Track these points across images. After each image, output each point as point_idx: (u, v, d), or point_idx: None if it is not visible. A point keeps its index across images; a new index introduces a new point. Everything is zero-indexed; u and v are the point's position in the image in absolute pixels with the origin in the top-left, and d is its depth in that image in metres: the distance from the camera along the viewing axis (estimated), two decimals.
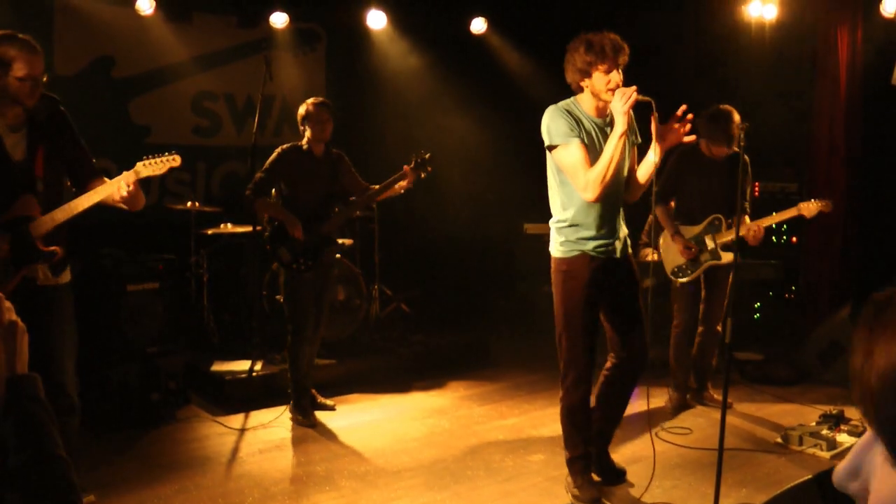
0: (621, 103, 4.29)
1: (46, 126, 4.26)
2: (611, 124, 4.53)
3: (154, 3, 7.82)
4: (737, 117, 5.99)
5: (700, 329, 6.44)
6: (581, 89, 4.57)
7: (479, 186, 9.40)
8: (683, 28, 8.50)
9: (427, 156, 6.15)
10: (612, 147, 4.34)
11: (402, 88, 9.46)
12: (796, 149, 8.57)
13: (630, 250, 4.87)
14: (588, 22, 8.99)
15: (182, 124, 8.69)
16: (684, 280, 6.28)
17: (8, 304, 1.86)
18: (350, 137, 8.98)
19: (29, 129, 4.21)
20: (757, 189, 8.15)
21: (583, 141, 4.45)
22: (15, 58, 4.00)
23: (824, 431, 5.68)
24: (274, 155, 6.14)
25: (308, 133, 6.09)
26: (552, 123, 4.49)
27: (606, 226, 4.62)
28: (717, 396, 6.50)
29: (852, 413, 6.06)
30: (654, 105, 4.36)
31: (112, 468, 5.28)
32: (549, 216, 4.78)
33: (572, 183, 4.49)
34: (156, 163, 4.32)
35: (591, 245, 4.59)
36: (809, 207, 6.19)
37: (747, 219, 6.20)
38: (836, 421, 5.83)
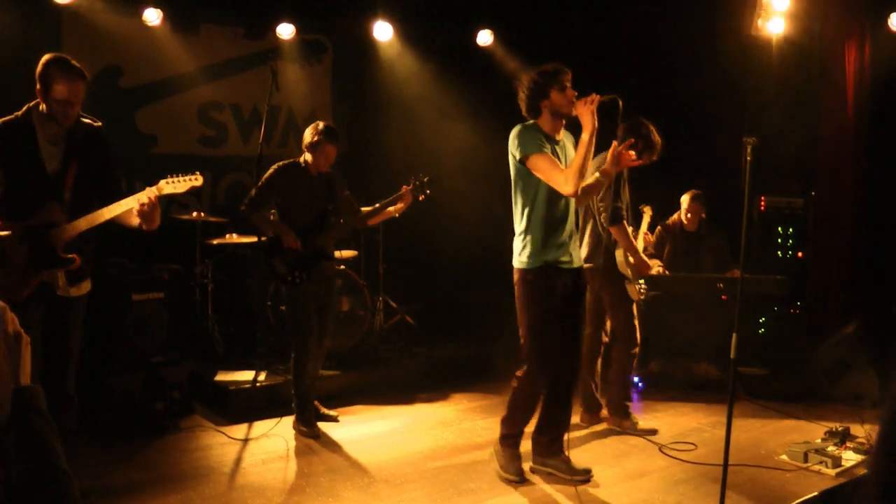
0: (586, 106, 4.70)
1: (83, 143, 4.47)
2: (564, 146, 5.09)
3: (161, 14, 7.85)
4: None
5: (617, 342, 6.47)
6: (539, 112, 5.00)
7: (485, 199, 9.38)
8: (690, 42, 8.50)
9: (426, 179, 6.19)
10: (586, 144, 4.71)
11: (407, 100, 9.46)
12: (803, 163, 8.55)
13: (583, 263, 5.34)
14: (594, 35, 9.02)
15: (188, 134, 8.70)
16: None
17: (11, 315, 1.85)
18: (355, 148, 9.01)
19: (66, 145, 4.43)
20: (763, 203, 8.14)
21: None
22: (56, 81, 4.24)
23: (829, 448, 5.65)
24: (271, 171, 6.17)
25: (309, 157, 6.11)
26: (522, 138, 4.95)
27: (565, 237, 5.05)
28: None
29: (858, 430, 6.05)
30: (619, 102, 4.73)
31: (115, 477, 5.28)
32: None
33: (552, 183, 4.82)
34: (178, 181, 4.57)
35: (552, 255, 5.00)
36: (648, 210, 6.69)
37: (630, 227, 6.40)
38: (842, 438, 5.81)
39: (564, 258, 5.05)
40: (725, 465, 4.38)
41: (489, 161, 9.29)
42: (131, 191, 4.43)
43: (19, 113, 4.39)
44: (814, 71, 8.46)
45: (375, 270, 8.21)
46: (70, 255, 4.39)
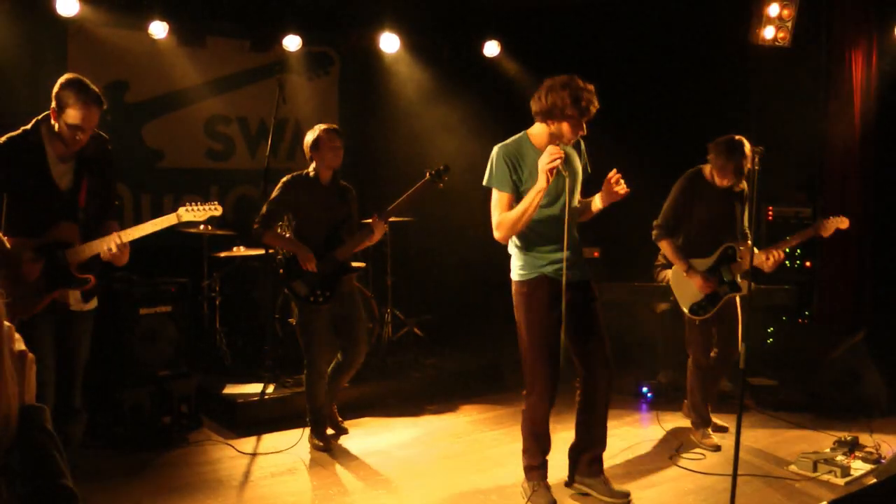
0: (546, 162, 4.49)
1: (93, 161, 4.46)
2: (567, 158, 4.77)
3: (167, 27, 7.81)
4: (748, 150, 5.93)
5: (714, 354, 6.27)
6: (541, 124, 4.82)
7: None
8: (696, 52, 8.50)
9: (442, 167, 6.18)
10: (529, 201, 4.63)
11: (414, 112, 9.46)
12: (810, 173, 8.54)
13: (589, 276, 5.05)
14: (599, 46, 9.02)
15: (195, 148, 8.71)
16: (705, 317, 6.06)
17: (17, 335, 1.85)
18: (362, 161, 9.01)
19: (77, 162, 4.40)
20: (770, 214, 8.13)
21: (517, 187, 4.75)
22: (71, 105, 4.19)
23: (838, 458, 5.62)
24: (280, 185, 6.07)
25: (317, 160, 6.05)
26: (496, 168, 4.81)
27: (558, 250, 4.78)
28: (716, 420, 6.52)
29: (867, 440, 6.02)
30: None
31: (124, 491, 5.28)
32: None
33: (492, 219, 4.82)
34: (198, 209, 4.68)
35: (548, 268, 4.82)
36: (826, 225, 6.18)
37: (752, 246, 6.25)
38: (851, 447, 5.78)
39: (558, 272, 4.75)
40: (735, 475, 4.37)
41: None
42: (137, 205, 4.44)
43: (27, 127, 4.34)
44: (820, 80, 8.46)
45: (383, 282, 8.21)
46: (85, 276, 4.40)
